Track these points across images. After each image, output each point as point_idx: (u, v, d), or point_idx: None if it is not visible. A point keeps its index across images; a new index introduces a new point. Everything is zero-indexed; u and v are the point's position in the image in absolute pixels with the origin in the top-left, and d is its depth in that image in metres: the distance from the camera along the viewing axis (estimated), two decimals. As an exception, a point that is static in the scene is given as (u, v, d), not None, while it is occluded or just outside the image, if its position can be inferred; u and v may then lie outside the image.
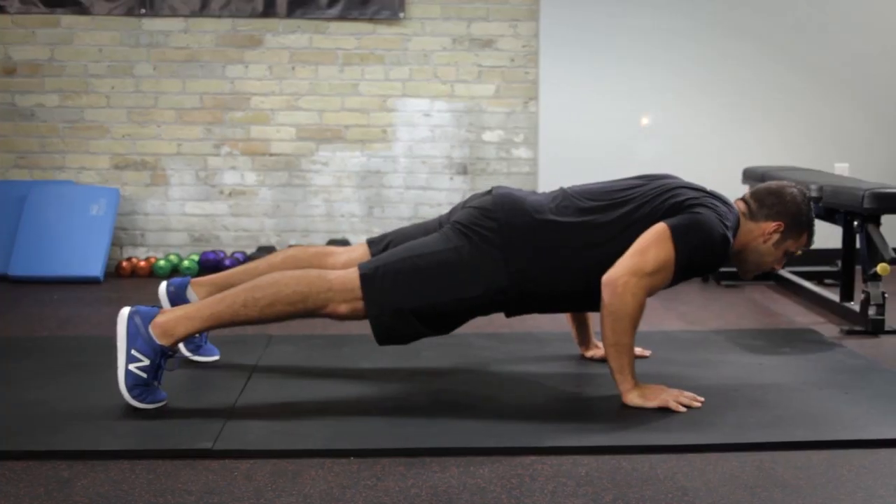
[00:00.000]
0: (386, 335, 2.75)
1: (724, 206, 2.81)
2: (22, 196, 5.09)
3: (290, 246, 5.19)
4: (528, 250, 2.74)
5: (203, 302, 2.72)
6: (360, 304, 2.69)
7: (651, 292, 2.69)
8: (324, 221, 5.35)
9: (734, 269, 4.80)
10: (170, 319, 2.64)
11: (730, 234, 2.77)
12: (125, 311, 2.65)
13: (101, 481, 2.21)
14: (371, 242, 3.04)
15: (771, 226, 2.90)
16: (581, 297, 2.83)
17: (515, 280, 2.73)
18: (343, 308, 2.69)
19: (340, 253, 3.06)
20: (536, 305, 2.87)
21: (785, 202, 2.91)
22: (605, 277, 2.67)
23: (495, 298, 2.76)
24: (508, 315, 2.90)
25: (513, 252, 2.73)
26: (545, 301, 2.85)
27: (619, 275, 2.65)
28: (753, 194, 2.97)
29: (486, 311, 2.83)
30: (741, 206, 2.94)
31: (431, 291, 2.71)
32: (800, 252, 3.02)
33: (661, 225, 2.71)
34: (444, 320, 2.78)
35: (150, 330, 2.62)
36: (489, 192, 2.90)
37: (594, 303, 2.74)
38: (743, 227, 2.89)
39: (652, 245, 2.68)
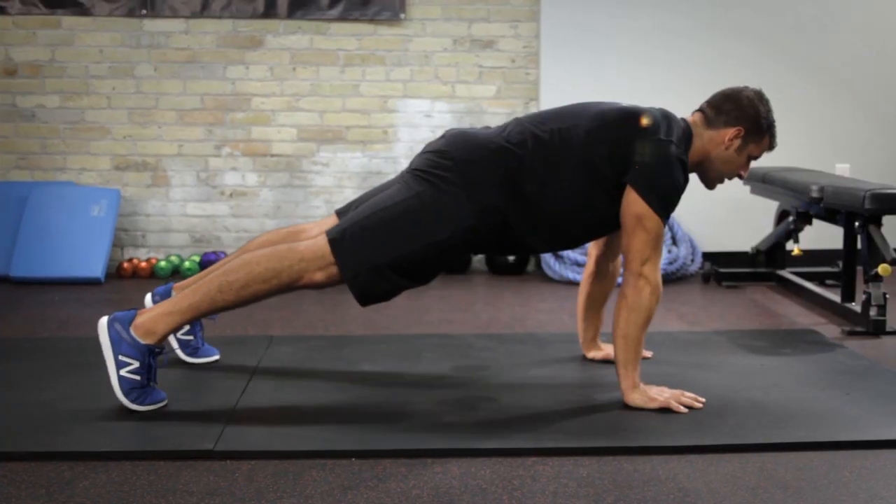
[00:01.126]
0: (366, 295, 2.71)
1: (672, 126, 2.78)
2: (23, 197, 5.09)
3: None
4: (489, 182, 2.71)
5: (179, 295, 2.70)
6: (334, 269, 2.65)
7: (660, 261, 2.74)
8: (325, 222, 5.34)
9: (734, 270, 4.89)
10: (149, 318, 2.64)
11: (683, 155, 2.76)
12: (103, 321, 2.64)
13: (103, 482, 2.21)
14: (340, 213, 3.01)
15: (730, 132, 2.85)
16: (549, 229, 2.80)
17: (481, 215, 2.71)
18: (319, 276, 2.66)
19: (311, 228, 3.01)
20: (507, 243, 2.83)
21: (742, 106, 2.86)
22: (625, 274, 2.72)
23: (466, 237, 2.72)
24: (478, 253, 2.86)
25: (473, 187, 2.70)
26: (515, 236, 2.79)
27: (637, 268, 2.69)
28: (710, 102, 2.92)
29: (458, 253, 2.80)
30: (698, 117, 2.90)
31: (401, 242, 2.67)
32: (762, 154, 2.96)
33: (628, 193, 2.71)
34: (419, 269, 2.73)
35: (132, 332, 2.62)
36: (442, 135, 2.88)
37: (561, 235, 2.79)
38: (701, 137, 2.86)
39: (639, 218, 2.69)
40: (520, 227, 2.76)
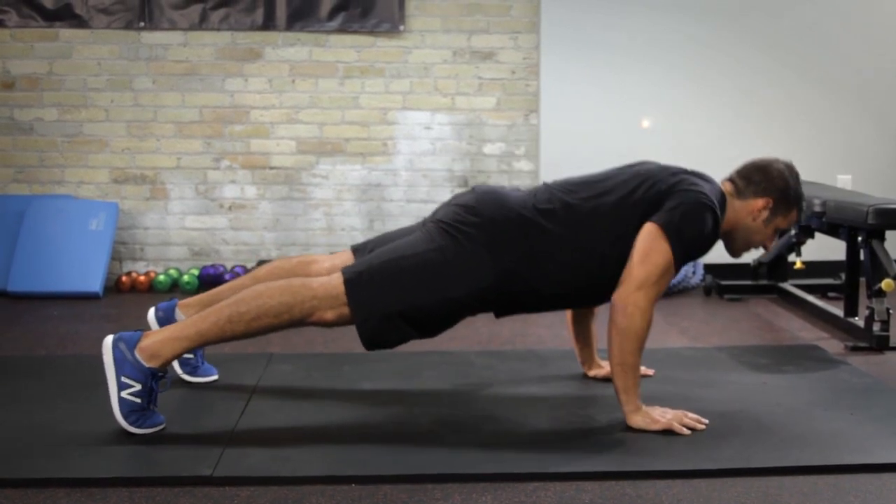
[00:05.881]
0: (373, 340, 2.69)
1: (707, 185, 2.77)
2: (20, 211, 5.07)
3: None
4: (514, 247, 2.70)
5: (188, 321, 2.67)
6: (346, 310, 2.64)
7: (658, 297, 2.68)
8: (324, 235, 5.33)
9: (736, 283, 4.86)
10: (155, 342, 2.61)
11: (717, 211, 2.74)
12: (108, 340, 2.61)
13: (100, 511, 2.19)
14: (356, 250, 2.98)
15: (759, 203, 2.86)
16: (570, 294, 2.80)
17: (502, 278, 2.69)
18: (330, 315, 2.64)
19: (324, 260, 3.00)
20: (526, 304, 2.82)
21: (772, 178, 2.87)
22: (615, 297, 2.66)
23: (482, 297, 2.71)
24: (498, 315, 2.86)
25: (497, 249, 2.69)
26: (534, 299, 2.80)
27: (628, 293, 2.63)
28: (740, 172, 2.92)
29: (473, 311, 2.78)
30: (728, 187, 2.89)
31: (417, 293, 2.65)
32: (790, 227, 2.97)
33: (650, 226, 2.68)
34: (431, 322, 2.72)
35: (137, 354, 2.59)
36: (472, 189, 2.86)
37: (583, 298, 2.75)
38: (731, 206, 2.86)
39: (650, 251, 2.66)
40: (540, 292, 2.76)
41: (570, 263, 2.72)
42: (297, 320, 2.64)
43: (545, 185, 2.89)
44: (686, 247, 2.69)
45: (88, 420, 2.74)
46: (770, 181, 2.87)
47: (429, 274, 2.67)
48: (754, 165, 2.91)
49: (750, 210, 2.87)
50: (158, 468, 2.41)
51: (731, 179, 2.92)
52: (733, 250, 2.97)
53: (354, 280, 2.65)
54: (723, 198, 2.84)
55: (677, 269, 2.72)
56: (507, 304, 2.80)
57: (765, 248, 2.96)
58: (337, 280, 2.66)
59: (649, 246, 2.67)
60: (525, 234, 2.71)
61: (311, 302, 2.62)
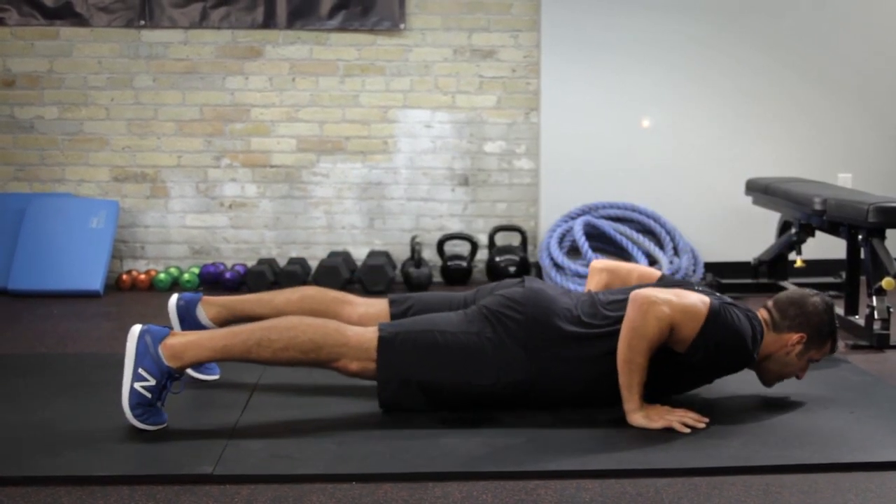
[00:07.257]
0: (388, 401, 2.77)
1: (750, 320, 2.78)
2: (21, 209, 5.06)
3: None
4: (550, 350, 2.73)
5: (217, 332, 2.73)
6: (371, 366, 2.71)
7: (673, 326, 2.65)
8: (324, 233, 5.33)
9: (736, 281, 4.86)
10: (180, 343, 2.63)
11: (759, 338, 2.76)
12: (136, 329, 2.64)
13: (100, 508, 2.19)
14: (393, 301, 3.04)
15: (794, 337, 2.85)
16: (601, 398, 2.80)
17: (534, 376, 2.73)
18: (354, 365, 2.71)
19: (358, 304, 3.06)
20: (554, 401, 2.83)
21: (807, 313, 2.86)
22: (635, 293, 2.67)
23: (507, 391, 2.75)
24: (509, 404, 2.84)
25: (534, 348, 2.73)
26: (562, 398, 2.82)
27: (650, 295, 2.65)
28: (776, 304, 2.91)
29: (493, 399, 2.79)
30: (764, 316, 2.89)
31: (444, 371, 2.72)
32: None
33: (704, 296, 2.71)
34: (447, 400, 2.78)
35: (160, 350, 2.61)
36: (521, 281, 2.90)
37: (615, 401, 2.73)
38: (766, 338, 2.84)
39: (689, 297, 2.68)
40: (570, 393, 2.80)
41: (605, 372, 2.72)
42: (322, 361, 2.71)
43: (590, 294, 2.90)
44: (713, 335, 2.67)
45: (89, 418, 2.75)
46: (805, 316, 2.86)
47: (461, 356, 2.72)
48: (790, 299, 2.91)
49: (784, 343, 2.86)
50: (159, 466, 2.41)
51: (766, 309, 2.92)
52: (766, 380, 2.97)
53: (389, 340, 2.71)
54: (762, 330, 2.83)
55: (691, 354, 2.70)
56: (537, 400, 2.81)
57: (797, 377, 2.95)
58: (372, 334, 2.72)
59: (691, 297, 2.69)
60: (564, 341, 2.74)
61: (341, 349, 2.68)
